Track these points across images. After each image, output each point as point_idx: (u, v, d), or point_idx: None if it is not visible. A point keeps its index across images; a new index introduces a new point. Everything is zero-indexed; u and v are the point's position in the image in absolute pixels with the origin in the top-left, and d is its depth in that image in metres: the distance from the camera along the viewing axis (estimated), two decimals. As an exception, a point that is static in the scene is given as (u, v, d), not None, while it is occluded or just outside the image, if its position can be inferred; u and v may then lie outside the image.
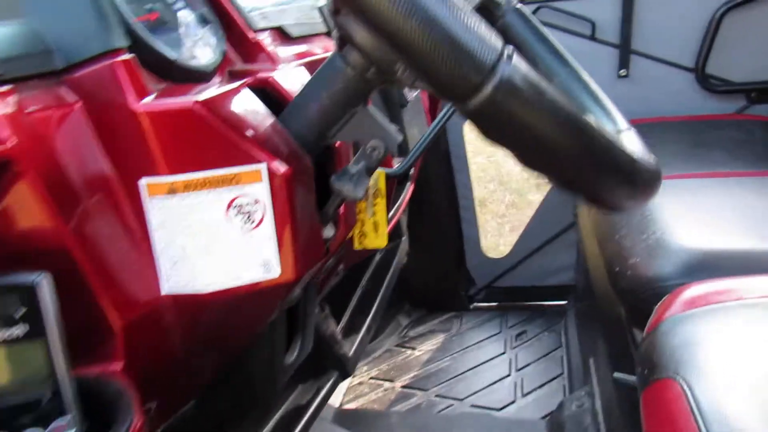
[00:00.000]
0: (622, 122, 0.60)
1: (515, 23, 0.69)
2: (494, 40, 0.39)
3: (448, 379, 1.77)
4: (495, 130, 0.42)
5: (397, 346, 1.97)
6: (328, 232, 0.62)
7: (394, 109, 0.97)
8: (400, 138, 0.56)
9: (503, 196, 3.75)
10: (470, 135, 4.54)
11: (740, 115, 1.68)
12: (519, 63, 0.40)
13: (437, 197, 1.98)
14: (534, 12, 1.72)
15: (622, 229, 1.11)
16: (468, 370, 1.81)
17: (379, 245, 0.77)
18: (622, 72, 1.74)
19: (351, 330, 1.07)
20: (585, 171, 0.45)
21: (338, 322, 1.05)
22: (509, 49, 0.40)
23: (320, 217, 0.59)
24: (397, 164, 0.96)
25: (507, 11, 0.69)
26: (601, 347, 1.37)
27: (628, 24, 1.68)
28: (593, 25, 1.70)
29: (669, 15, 1.67)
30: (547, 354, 1.85)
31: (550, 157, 0.44)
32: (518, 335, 1.96)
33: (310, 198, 0.55)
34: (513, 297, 2.11)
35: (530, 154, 0.45)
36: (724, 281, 0.84)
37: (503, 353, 1.88)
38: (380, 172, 0.75)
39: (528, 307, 2.09)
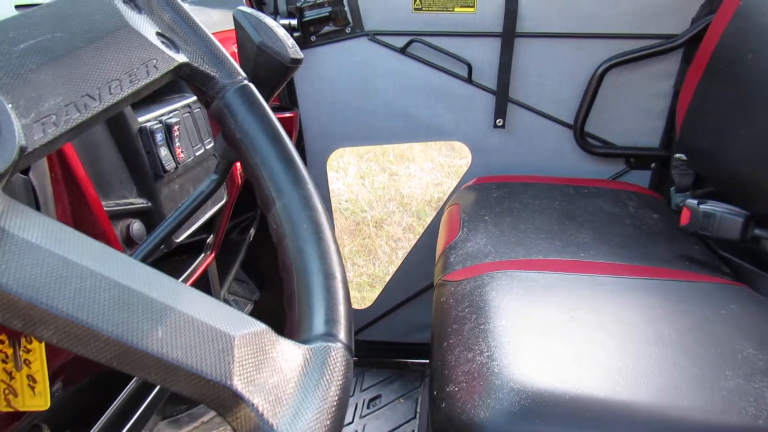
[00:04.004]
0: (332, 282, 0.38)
1: (235, 108, 0.46)
2: None
3: (281, 457, 1.53)
4: None
5: (233, 408, 1.71)
6: None
7: (144, 180, 0.72)
8: None
9: (401, 218, 3.60)
10: (370, 153, 4.35)
11: (616, 182, 1.55)
12: None
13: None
14: (406, 46, 1.52)
15: (453, 334, 0.91)
16: (307, 445, 1.57)
17: (39, 406, 0.52)
18: (499, 122, 1.57)
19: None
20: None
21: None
22: None
23: None
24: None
25: (226, 90, 0.46)
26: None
27: (506, 71, 1.51)
28: (470, 67, 1.52)
29: (550, 67, 1.51)
30: (398, 427, 1.65)
31: None
32: (371, 401, 1.75)
33: None
34: (374, 353, 1.91)
35: None
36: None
37: (350, 423, 1.66)
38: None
39: (389, 365, 1.89)
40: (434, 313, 1.07)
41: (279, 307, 1.70)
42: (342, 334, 0.35)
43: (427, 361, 1.86)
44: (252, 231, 1.58)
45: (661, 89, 1.51)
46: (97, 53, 0.38)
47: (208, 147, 0.86)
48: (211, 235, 0.97)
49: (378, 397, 1.76)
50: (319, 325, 0.36)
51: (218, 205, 0.89)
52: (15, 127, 0.31)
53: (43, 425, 0.79)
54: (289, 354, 0.33)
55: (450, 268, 1.13)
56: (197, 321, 0.30)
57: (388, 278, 1.90)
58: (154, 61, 0.41)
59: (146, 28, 0.43)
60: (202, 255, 0.95)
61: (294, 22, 1.51)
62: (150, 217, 0.73)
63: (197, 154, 0.83)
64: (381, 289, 1.91)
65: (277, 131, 0.45)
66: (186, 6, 0.48)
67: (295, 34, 1.52)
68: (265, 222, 1.62)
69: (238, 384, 0.29)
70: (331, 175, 3.88)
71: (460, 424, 0.74)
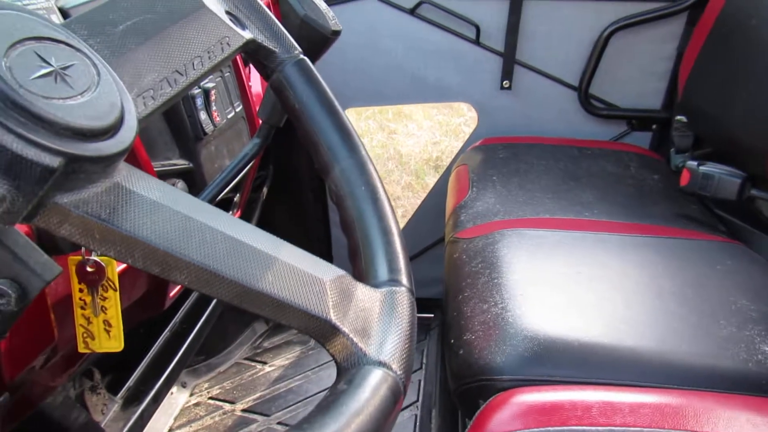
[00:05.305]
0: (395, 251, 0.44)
1: (294, 81, 0.50)
2: None
3: (295, 403, 1.62)
4: None
5: (247, 359, 1.79)
6: None
7: (186, 142, 0.77)
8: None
9: (400, 177, 3.64)
10: (369, 111, 4.37)
11: (618, 144, 1.60)
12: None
13: (302, 195, 1.80)
14: (415, 7, 1.54)
15: (468, 288, 0.98)
16: (319, 392, 1.66)
17: (114, 348, 0.58)
18: (505, 83, 1.61)
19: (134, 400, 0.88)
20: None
21: (118, 392, 0.86)
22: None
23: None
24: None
25: (285, 64, 0.51)
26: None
27: (513, 33, 1.54)
28: (478, 29, 1.55)
29: (557, 29, 1.54)
30: (405, 376, 1.74)
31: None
32: (379, 352, 1.84)
33: None
34: (380, 307, 1.98)
35: None
36: (555, 392, 0.73)
37: (360, 373, 1.75)
38: (110, 260, 0.56)
39: (395, 319, 1.96)
40: (447, 269, 1.13)
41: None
42: (404, 280, 0.41)
43: (432, 315, 1.94)
44: (265, 190, 1.63)
45: (665, 52, 1.55)
46: (181, 32, 0.43)
47: (237, 110, 0.91)
48: (238, 194, 1.02)
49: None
50: (384, 273, 0.41)
51: (248, 166, 0.94)
52: (132, 103, 0.36)
53: (95, 369, 0.86)
54: (367, 295, 0.39)
55: (461, 226, 1.19)
56: (296, 268, 0.35)
57: (391, 236, 1.95)
58: (228, 38, 0.46)
59: (217, 7, 0.47)
60: (230, 213, 1.01)
61: (306, -18, 1.52)
62: (191, 177, 0.78)
63: (229, 116, 0.88)
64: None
65: (332, 103, 0.50)
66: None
67: (306, -5, 1.53)
68: (276, 180, 1.67)
69: (335, 318, 0.35)
70: (332, 134, 3.89)
71: (478, 369, 0.81)
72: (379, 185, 0.47)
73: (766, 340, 0.79)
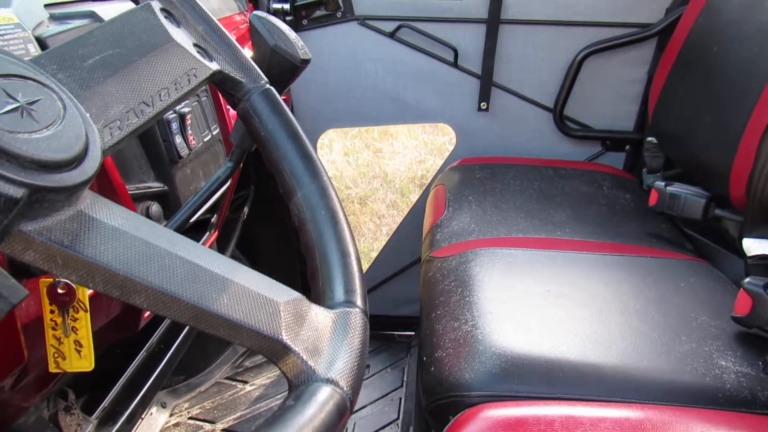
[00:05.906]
0: (351, 276, 0.46)
1: (259, 110, 0.53)
2: None
3: (275, 422, 1.62)
4: None
5: (228, 378, 1.80)
6: None
7: (161, 166, 0.79)
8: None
9: (385, 195, 3.67)
10: (355, 130, 4.39)
11: (592, 164, 1.64)
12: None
13: (284, 214, 1.81)
14: (395, 30, 1.58)
15: (441, 306, 1.00)
16: (299, 411, 1.66)
17: (84, 367, 0.59)
18: (483, 105, 1.65)
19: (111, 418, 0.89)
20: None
21: (93, 412, 0.87)
22: None
23: None
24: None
25: (251, 93, 0.53)
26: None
27: (490, 56, 1.58)
28: (456, 52, 1.59)
29: (532, 53, 1.58)
30: (386, 395, 1.75)
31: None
32: (360, 370, 1.85)
33: None
34: (362, 325, 1.99)
35: None
36: (521, 408, 0.75)
37: (341, 391, 1.76)
38: (79, 285, 0.57)
39: (376, 337, 1.98)
40: (422, 287, 1.15)
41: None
42: (359, 301, 0.44)
43: (413, 333, 1.96)
44: (246, 209, 1.65)
45: (636, 75, 1.60)
46: (149, 66, 0.45)
47: (214, 133, 0.93)
48: (215, 215, 1.04)
49: (366, 367, 1.86)
50: (340, 295, 0.44)
51: (224, 187, 0.96)
52: (97, 134, 0.38)
53: (69, 390, 0.87)
54: (320, 316, 0.41)
55: (437, 245, 1.21)
56: (251, 290, 0.38)
57: (373, 254, 1.98)
58: (194, 70, 0.48)
59: (185, 40, 0.49)
60: (207, 233, 1.02)
61: (287, 5, 1.56)
62: (166, 199, 0.80)
63: (205, 140, 0.90)
64: (367, 264, 1.99)
65: (296, 130, 0.53)
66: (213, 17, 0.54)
67: (288, 18, 1.57)
68: (257, 200, 1.68)
69: (286, 338, 0.37)
70: (317, 153, 3.93)
71: (448, 386, 0.83)
72: (338, 210, 0.49)
73: (723, 355, 0.81)
